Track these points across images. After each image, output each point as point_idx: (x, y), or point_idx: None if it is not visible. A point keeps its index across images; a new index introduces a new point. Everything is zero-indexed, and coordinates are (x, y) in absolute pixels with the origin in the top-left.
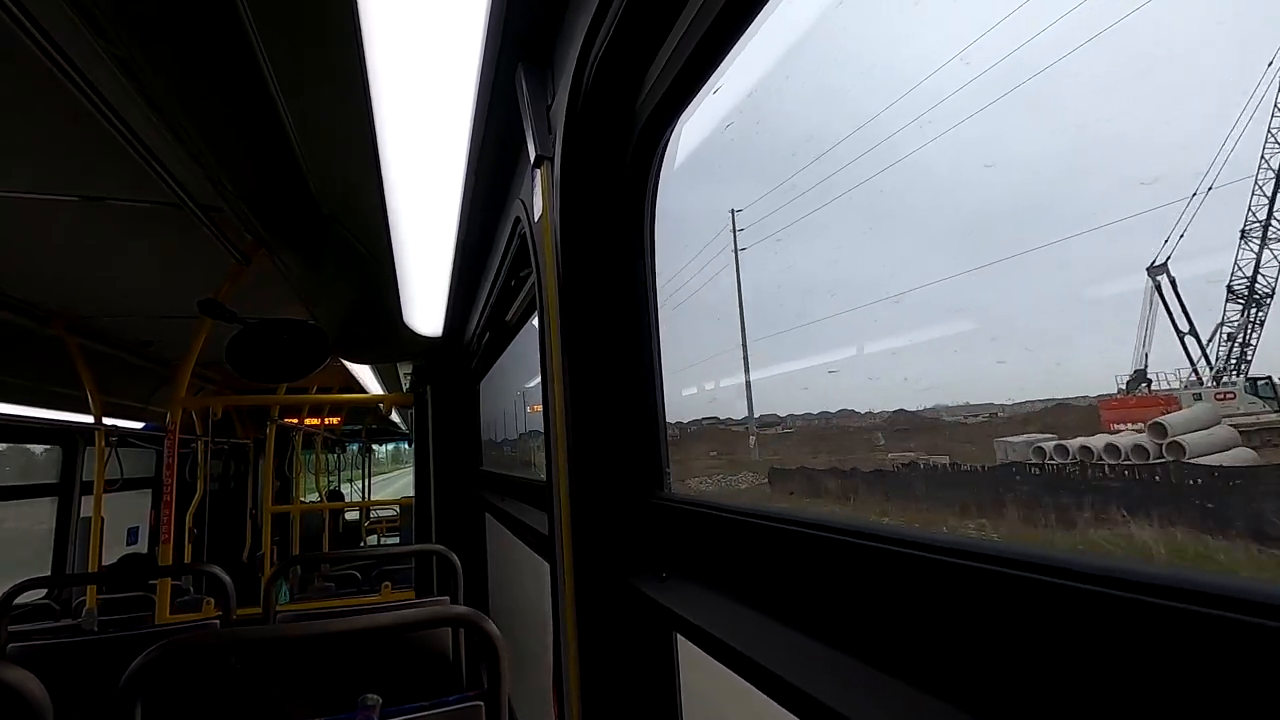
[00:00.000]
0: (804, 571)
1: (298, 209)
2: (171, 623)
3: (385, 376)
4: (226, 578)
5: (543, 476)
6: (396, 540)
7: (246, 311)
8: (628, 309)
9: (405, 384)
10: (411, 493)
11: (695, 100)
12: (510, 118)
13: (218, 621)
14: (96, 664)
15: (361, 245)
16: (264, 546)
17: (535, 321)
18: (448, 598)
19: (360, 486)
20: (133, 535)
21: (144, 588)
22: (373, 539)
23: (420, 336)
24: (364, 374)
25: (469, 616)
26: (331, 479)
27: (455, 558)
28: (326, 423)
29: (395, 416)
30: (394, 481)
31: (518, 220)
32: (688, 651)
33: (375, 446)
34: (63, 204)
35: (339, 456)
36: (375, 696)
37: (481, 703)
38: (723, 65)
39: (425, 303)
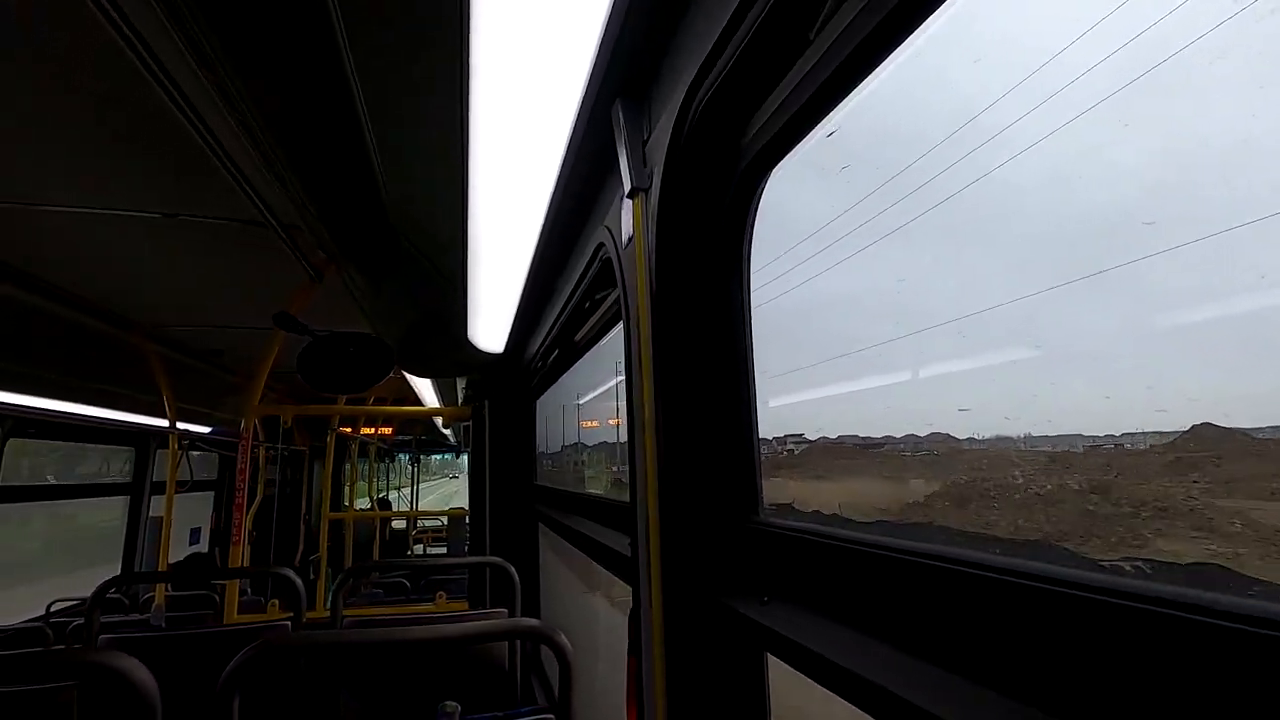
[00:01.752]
0: (918, 597)
1: (371, 229)
2: (239, 623)
3: (442, 389)
4: (298, 581)
5: (606, 493)
6: (443, 550)
7: (313, 324)
8: (722, 334)
9: (460, 397)
10: (450, 504)
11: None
12: (600, 148)
13: (288, 624)
14: (178, 658)
15: (430, 263)
16: (320, 551)
17: (604, 343)
18: (505, 610)
19: (403, 496)
20: (195, 535)
21: (206, 587)
22: (418, 549)
23: (481, 353)
24: (420, 386)
25: (543, 630)
26: (380, 488)
27: (514, 571)
28: (379, 433)
29: (445, 429)
30: (431, 491)
31: (601, 245)
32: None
33: (404, 456)
34: (154, 220)
35: (388, 466)
36: (454, 704)
37: (552, 715)
38: (838, 110)
39: (490, 320)
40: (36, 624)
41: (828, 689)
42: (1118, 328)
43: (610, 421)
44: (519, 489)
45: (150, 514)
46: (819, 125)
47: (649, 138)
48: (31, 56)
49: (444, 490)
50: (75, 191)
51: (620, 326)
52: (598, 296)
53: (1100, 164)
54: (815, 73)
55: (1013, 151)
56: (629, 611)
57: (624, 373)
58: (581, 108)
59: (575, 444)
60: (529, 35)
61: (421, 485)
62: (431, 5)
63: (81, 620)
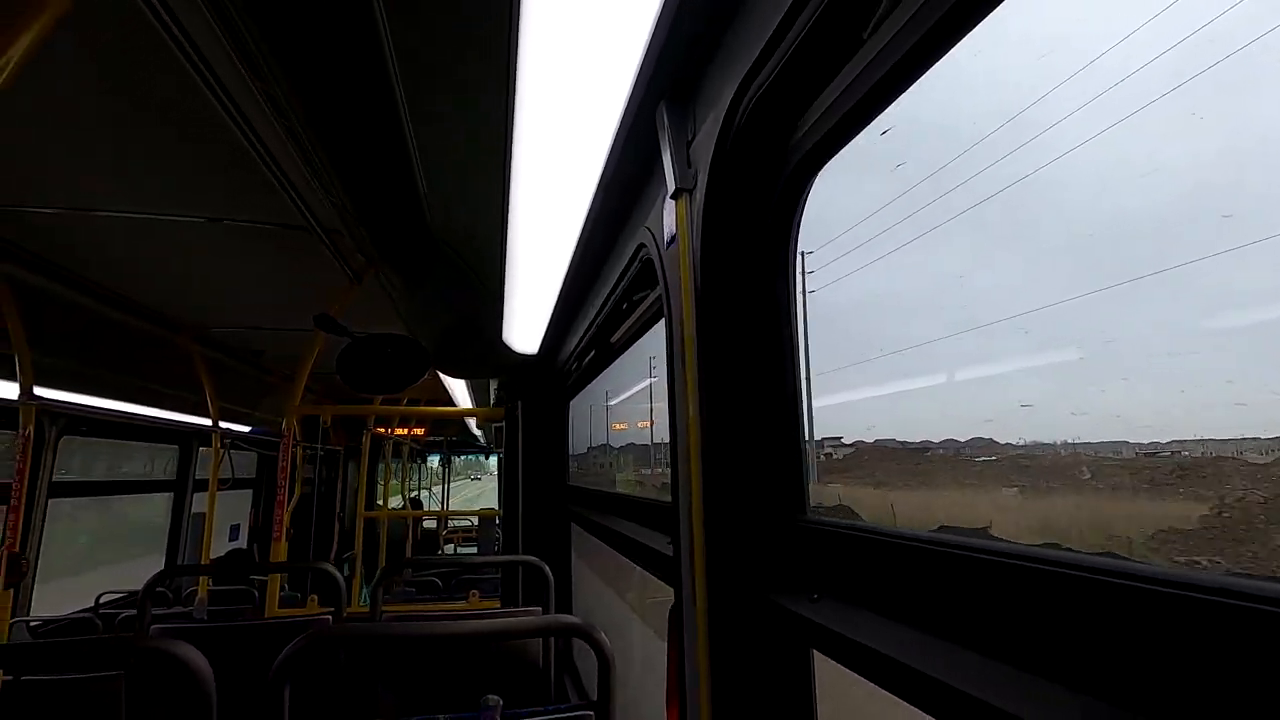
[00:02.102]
0: (980, 594)
1: (410, 232)
2: (281, 616)
3: (476, 390)
4: (339, 576)
5: (636, 492)
6: (474, 550)
7: (350, 326)
8: (768, 333)
9: (492, 398)
10: (477, 504)
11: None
12: (642, 151)
13: (329, 618)
14: (225, 648)
15: (467, 266)
16: (356, 549)
17: (638, 345)
18: (539, 608)
19: (433, 496)
20: (234, 532)
21: (245, 582)
22: (448, 548)
23: (516, 354)
24: (453, 387)
25: (583, 627)
26: (411, 488)
27: (548, 570)
28: (412, 433)
29: (476, 429)
30: (454, 493)
31: (641, 246)
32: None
33: (436, 457)
34: (201, 225)
35: (419, 467)
36: (496, 698)
37: (592, 712)
38: (890, 109)
39: (524, 322)
40: (86, 615)
41: (883, 687)
42: (1185, 325)
43: (640, 424)
44: (552, 489)
45: (192, 511)
46: (869, 125)
47: (693, 139)
48: (93, 71)
49: (465, 494)
50: (127, 198)
51: (656, 327)
52: (636, 297)
53: (1165, 158)
54: (868, 73)
55: (1069, 145)
56: (669, 609)
57: (665, 372)
58: (626, 111)
59: (603, 445)
60: (577, 40)
61: (437, 489)
62: (478, 15)
63: (129, 612)
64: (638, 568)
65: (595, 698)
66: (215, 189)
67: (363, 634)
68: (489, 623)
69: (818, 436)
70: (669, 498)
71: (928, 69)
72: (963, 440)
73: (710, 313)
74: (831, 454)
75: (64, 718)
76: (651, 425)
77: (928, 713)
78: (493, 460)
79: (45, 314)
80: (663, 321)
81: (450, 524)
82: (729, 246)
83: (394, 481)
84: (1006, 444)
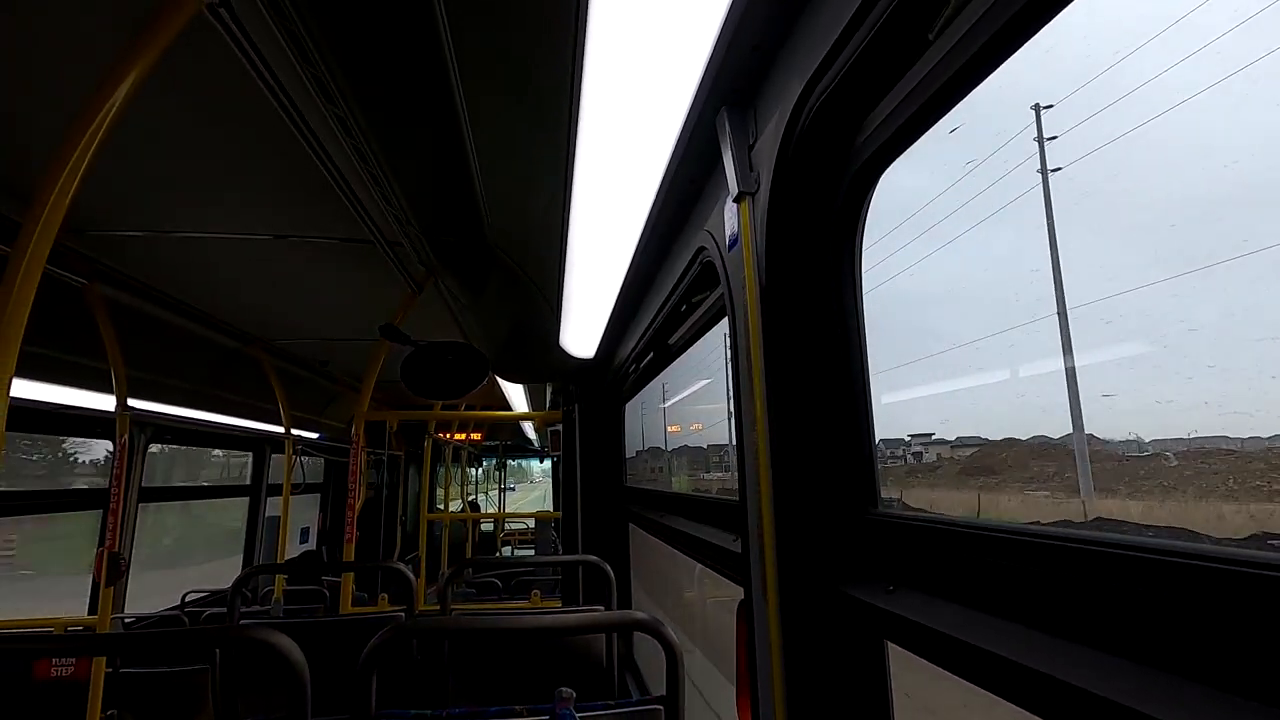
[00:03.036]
0: (1070, 584)
1: (469, 242)
2: (354, 613)
3: (532, 394)
4: (412, 575)
5: (693, 492)
6: (531, 552)
7: (411, 334)
8: (834, 331)
9: (548, 401)
10: (529, 508)
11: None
12: (703, 155)
13: (402, 614)
14: (306, 642)
15: (525, 273)
16: (420, 550)
17: (695, 349)
18: (601, 606)
19: (488, 499)
20: (304, 535)
21: (316, 581)
22: (505, 550)
23: (572, 358)
24: (510, 392)
25: (652, 623)
26: (469, 492)
27: (609, 569)
28: (470, 438)
29: (531, 433)
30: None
31: (701, 249)
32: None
33: (491, 460)
34: (273, 242)
35: (477, 471)
36: (569, 690)
37: (661, 707)
38: (959, 107)
39: (581, 327)
40: (174, 612)
41: (966, 678)
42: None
43: (693, 426)
44: (609, 491)
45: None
46: (936, 124)
47: (755, 143)
48: (176, 102)
49: (528, 498)
50: (204, 220)
51: (715, 330)
52: (695, 299)
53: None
54: (935, 74)
55: (1161, 111)
56: (737, 605)
57: (718, 374)
58: (688, 117)
59: (653, 449)
60: (642, 48)
61: (491, 493)
62: (543, 27)
63: (214, 609)
64: (695, 568)
65: (656, 693)
66: (286, 208)
67: (447, 626)
68: (565, 617)
69: (891, 435)
70: (726, 496)
71: (997, 67)
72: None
73: (775, 312)
74: (921, 454)
75: (158, 705)
76: (697, 427)
77: (1023, 706)
78: (535, 466)
79: (132, 329)
80: (721, 323)
81: (507, 526)
82: (793, 248)
83: (453, 485)
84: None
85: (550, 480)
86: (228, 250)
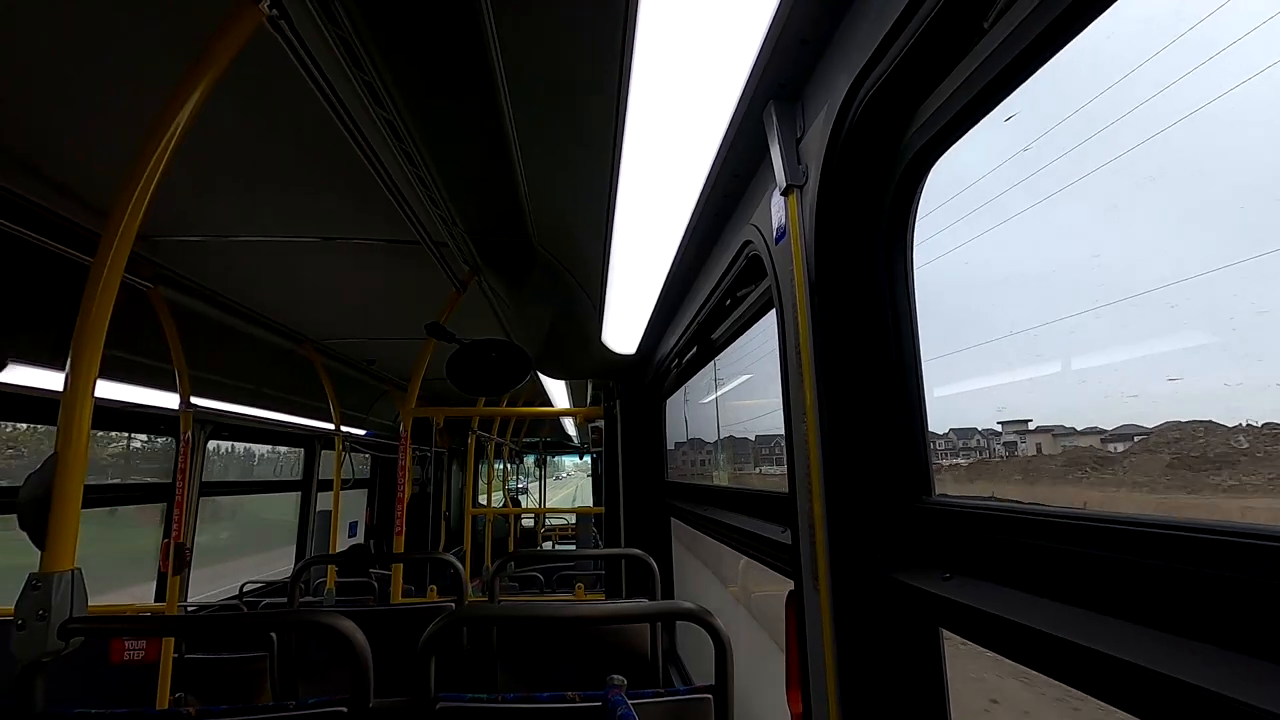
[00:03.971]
0: (1137, 568)
1: (513, 241)
2: (404, 603)
3: (573, 391)
4: (461, 567)
5: (740, 486)
6: (572, 548)
7: (456, 332)
8: (885, 322)
9: (589, 397)
10: (560, 504)
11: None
12: (749, 149)
13: (452, 604)
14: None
15: (566, 270)
16: (465, 544)
17: (738, 344)
18: (644, 599)
19: (528, 495)
20: (352, 529)
21: (364, 574)
22: (546, 545)
23: (614, 354)
24: (551, 389)
25: (700, 614)
26: (510, 487)
27: (653, 562)
28: (511, 435)
29: (571, 430)
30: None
31: (747, 243)
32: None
33: (531, 457)
34: (324, 244)
35: (517, 467)
36: (621, 678)
37: (710, 697)
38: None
39: (623, 323)
40: (233, 601)
41: (1029, 665)
42: None
43: (741, 419)
44: (651, 485)
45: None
46: (990, 113)
47: (802, 136)
48: (236, 113)
49: (563, 494)
50: (258, 224)
51: (759, 324)
52: (740, 293)
53: None
54: (991, 62)
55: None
56: (786, 596)
57: (779, 364)
58: (735, 112)
59: (692, 440)
60: (690, 45)
61: (525, 494)
62: (591, 29)
63: (271, 599)
64: (736, 562)
65: (701, 684)
66: (335, 211)
67: (504, 614)
68: (615, 606)
69: (956, 425)
70: (771, 489)
71: (1056, 53)
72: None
73: (825, 303)
74: (1016, 444)
75: (221, 689)
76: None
77: (1099, 696)
78: (566, 462)
79: (191, 330)
80: (766, 318)
81: (547, 522)
82: (843, 239)
83: (495, 481)
84: None
85: (582, 476)
86: (280, 253)
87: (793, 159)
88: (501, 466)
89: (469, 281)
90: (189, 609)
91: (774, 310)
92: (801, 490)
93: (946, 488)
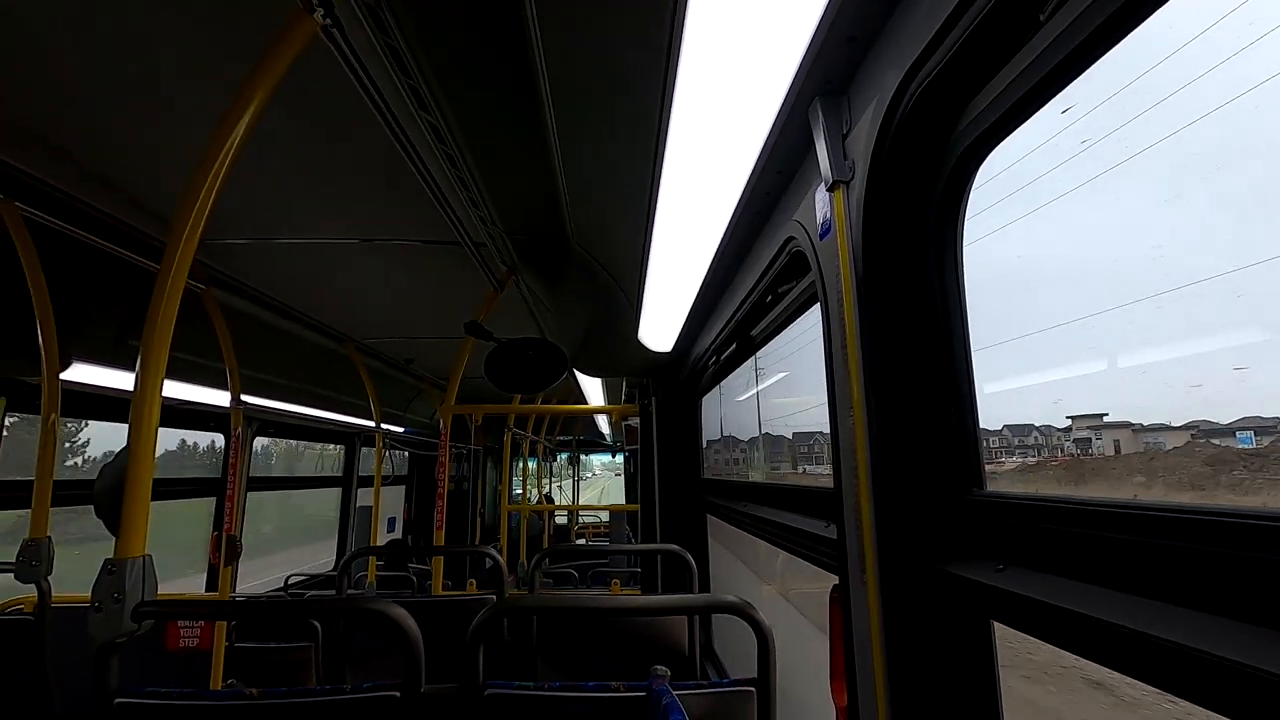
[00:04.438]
0: (1199, 558)
1: (550, 241)
2: (444, 595)
3: (609, 390)
4: (502, 560)
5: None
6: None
7: (493, 332)
8: (934, 316)
9: (624, 395)
10: (592, 503)
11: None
12: (794, 145)
13: (493, 596)
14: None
15: (604, 269)
16: (501, 540)
17: (775, 343)
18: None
19: (561, 493)
20: (391, 524)
21: (403, 568)
22: (579, 543)
23: (650, 352)
24: (585, 386)
25: (742, 607)
26: (544, 485)
27: (690, 557)
28: (546, 433)
29: (604, 428)
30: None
31: (790, 239)
32: None
33: (564, 455)
34: (365, 245)
35: (551, 465)
36: (664, 668)
37: (753, 689)
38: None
39: (660, 321)
40: (279, 593)
41: (1089, 656)
42: None
43: (777, 416)
44: (687, 482)
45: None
46: (1045, 106)
47: (849, 132)
48: (283, 119)
49: (592, 493)
50: (302, 226)
51: (799, 322)
52: (781, 289)
53: None
54: (1048, 54)
55: None
56: (829, 591)
57: (822, 361)
58: (781, 108)
59: (726, 438)
60: (737, 42)
61: (566, 482)
62: (639, 28)
63: (316, 592)
64: (773, 559)
65: (743, 678)
66: (378, 213)
67: (550, 604)
68: (659, 598)
69: (1012, 421)
70: (814, 485)
71: (1116, 44)
72: None
73: (872, 298)
74: (1090, 440)
75: (268, 676)
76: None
77: (1165, 688)
78: (594, 461)
79: (239, 330)
80: (807, 314)
81: (580, 519)
82: (890, 234)
83: (529, 478)
84: None
85: (609, 475)
86: (323, 255)
87: (839, 154)
88: (536, 464)
89: (506, 281)
90: (238, 599)
91: (817, 306)
92: (848, 484)
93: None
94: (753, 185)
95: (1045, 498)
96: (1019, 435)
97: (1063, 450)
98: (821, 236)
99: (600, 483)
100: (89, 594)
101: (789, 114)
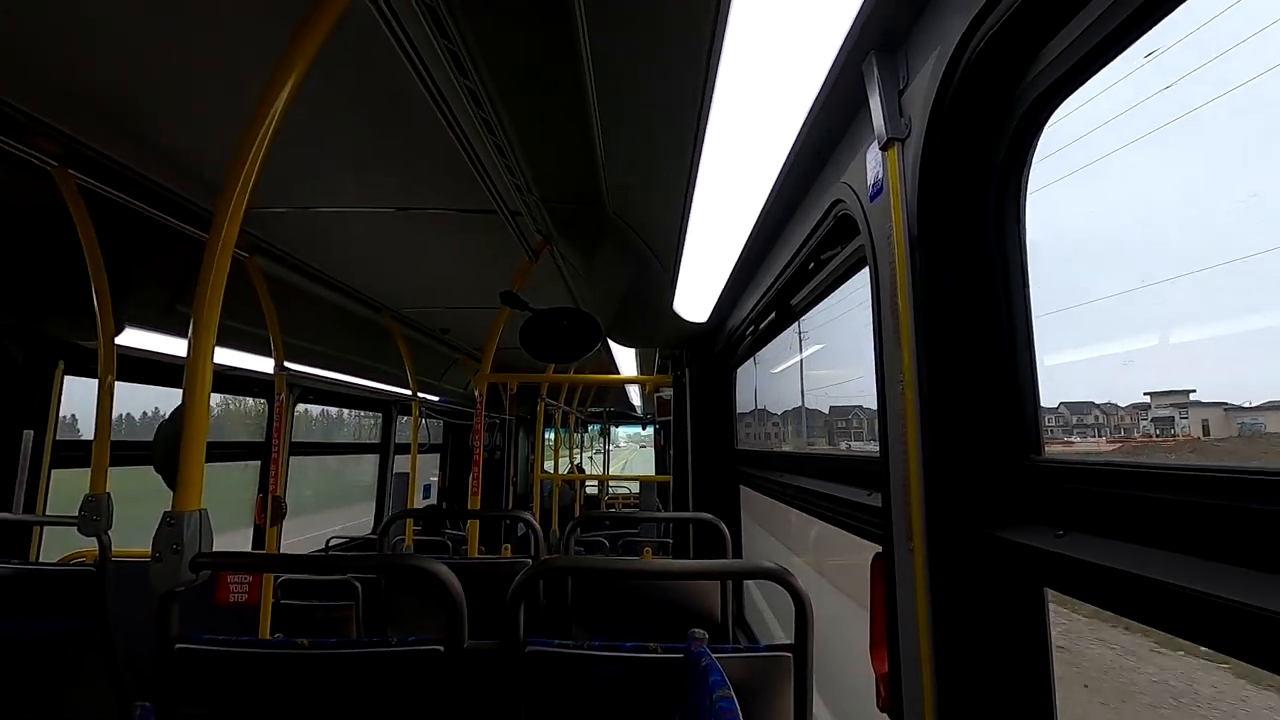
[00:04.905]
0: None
1: (586, 210)
2: (480, 558)
3: (642, 361)
4: (537, 524)
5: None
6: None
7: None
8: (993, 279)
9: (656, 366)
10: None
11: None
12: (844, 103)
13: (529, 560)
14: None
15: (641, 239)
16: (534, 508)
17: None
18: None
19: (592, 463)
20: (426, 490)
21: (438, 533)
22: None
23: (686, 323)
24: (619, 358)
25: (780, 573)
26: (575, 456)
27: (724, 527)
28: (577, 404)
29: (635, 400)
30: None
31: (837, 202)
32: None
33: (595, 427)
34: (403, 214)
35: (582, 436)
36: (702, 631)
37: (790, 655)
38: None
39: (696, 292)
40: (321, 553)
41: (1151, 622)
42: None
43: (816, 389)
44: (720, 453)
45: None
46: (1124, 52)
47: (905, 87)
48: (322, 87)
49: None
50: (341, 194)
51: (840, 290)
52: (824, 256)
53: None
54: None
55: None
56: (872, 559)
57: (871, 326)
58: (834, 65)
59: (757, 410)
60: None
61: (595, 452)
62: None
63: (354, 553)
64: (806, 529)
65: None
66: (414, 182)
67: (591, 566)
68: (699, 563)
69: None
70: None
71: None
72: None
73: (927, 260)
74: (1174, 419)
75: (311, 634)
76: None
77: (1239, 654)
78: (621, 433)
79: (279, 297)
80: (850, 281)
81: (610, 490)
82: (947, 193)
83: (561, 448)
84: None
85: (634, 447)
86: (362, 225)
87: (894, 111)
88: (568, 435)
89: (541, 251)
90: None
91: (863, 272)
92: (895, 450)
93: None
94: (799, 147)
95: (1112, 463)
96: (1077, 413)
97: (1137, 430)
98: (872, 198)
99: (624, 455)
100: (142, 549)
101: (841, 70)
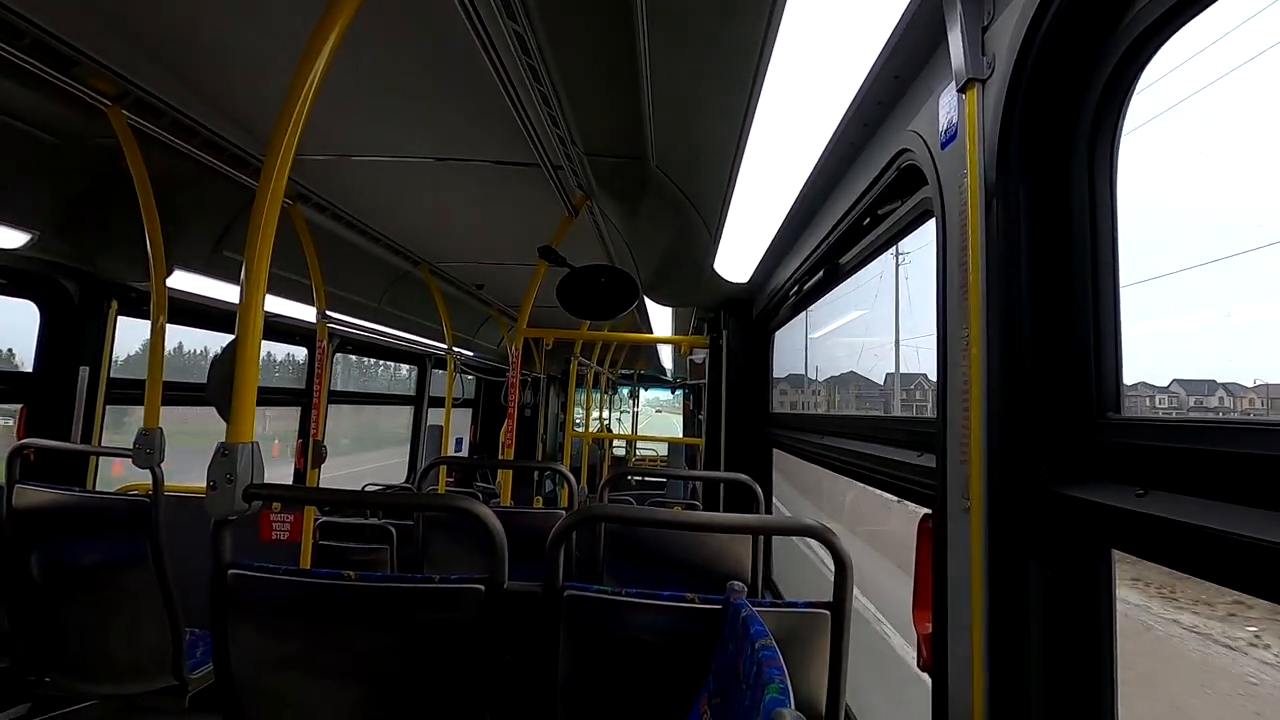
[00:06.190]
0: None
1: (630, 164)
2: (514, 507)
3: (677, 322)
4: (571, 476)
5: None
6: (661, 480)
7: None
8: (1078, 234)
9: (691, 327)
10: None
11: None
12: (917, 44)
13: (563, 512)
14: None
15: (685, 195)
16: (565, 463)
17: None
18: None
19: (620, 423)
20: (458, 444)
21: (469, 486)
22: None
23: (726, 283)
24: (653, 319)
25: (821, 531)
26: (604, 417)
27: (758, 488)
28: (609, 365)
29: (667, 362)
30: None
31: (902, 152)
32: None
33: (624, 389)
34: (443, 165)
35: (612, 397)
36: (741, 584)
37: (828, 612)
38: None
39: (739, 251)
40: (366, 491)
41: (1238, 587)
42: None
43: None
44: (754, 416)
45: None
46: None
47: (990, 22)
48: (365, 32)
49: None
50: (383, 143)
51: (892, 252)
52: (880, 211)
53: None
54: None
55: None
56: (920, 520)
57: (935, 281)
58: (910, 3)
59: (794, 375)
60: None
61: (622, 413)
62: None
63: (403, 493)
64: (840, 494)
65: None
66: (455, 131)
67: (633, 516)
68: (740, 517)
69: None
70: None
71: None
72: None
73: (1005, 208)
74: None
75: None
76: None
77: None
78: (643, 396)
79: (322, 246)
80: (900, 245)
81: (637, 452)
82: (1031, 140)
83: (595, 408)
84: None
85: (652, 411)
86: (403, 174)
87: (976, 49)
88: (599, 395)
89: (581, 206)
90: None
91: (927, 225)
92: (954, 408)
93: None
94: (864, 95)
95: (1205, 419)
96: (1195, 394)
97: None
98: (944, 144)
99: (645, 419)
100: (191, 485)
101: (917, 8)
